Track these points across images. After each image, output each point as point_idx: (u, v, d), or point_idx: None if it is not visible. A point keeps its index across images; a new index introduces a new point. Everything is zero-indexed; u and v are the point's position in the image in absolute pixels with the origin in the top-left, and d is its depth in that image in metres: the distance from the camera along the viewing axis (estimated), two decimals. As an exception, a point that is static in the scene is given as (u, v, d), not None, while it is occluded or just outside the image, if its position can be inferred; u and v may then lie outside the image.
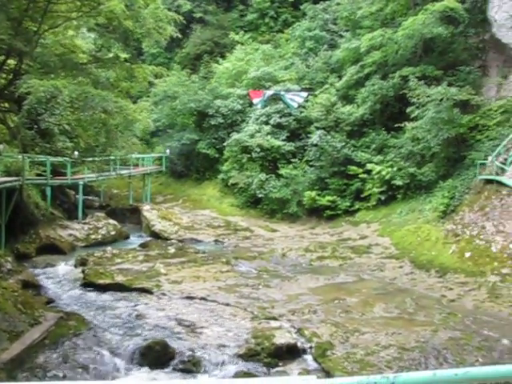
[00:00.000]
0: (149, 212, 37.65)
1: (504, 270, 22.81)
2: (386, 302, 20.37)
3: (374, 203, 35.18)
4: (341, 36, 47.20)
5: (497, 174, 27.67)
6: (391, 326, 17.46)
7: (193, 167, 48.91)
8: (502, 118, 32.11)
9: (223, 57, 54.72)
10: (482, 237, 25.68)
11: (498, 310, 19.87)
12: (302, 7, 54.90)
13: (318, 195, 37.06)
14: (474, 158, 30.39)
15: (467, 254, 25.01)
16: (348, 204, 36.45)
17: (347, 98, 40.91)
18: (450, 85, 33.02)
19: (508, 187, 26.57)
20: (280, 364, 15.19)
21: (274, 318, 18.14)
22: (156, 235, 34.29)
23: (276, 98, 40.84)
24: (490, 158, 28.33)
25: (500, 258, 23.73)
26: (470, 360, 14.71)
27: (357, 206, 36.21)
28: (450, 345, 15.82)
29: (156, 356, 15.07)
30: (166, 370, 14.82)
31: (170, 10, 29.81)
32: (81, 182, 35.22)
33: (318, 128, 39.67)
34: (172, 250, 28.78)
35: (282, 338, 16.10)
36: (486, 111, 33.40)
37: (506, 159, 28.34)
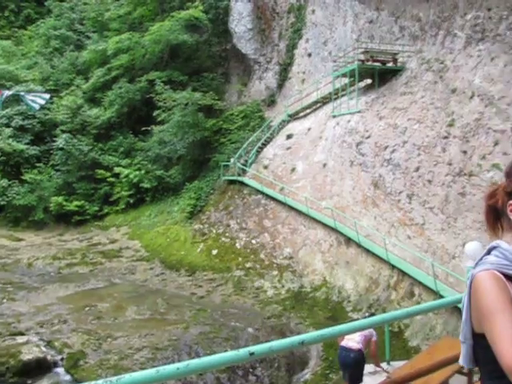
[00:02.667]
0: None
1: (247, 265, 24.36)
2: (138, 305, 20.26)
3: (123, 207, 34.93)
4: (88, 37, 46.04)
5: (239, 175, 29.45)
6: (144, 328, 17.39)
7: None
8: (243, 122, 34.32)
9: (-45, 50, 49.54)
10: (227, 234, 27.09)
11: (243, 301, 21.14)
12: (46, 4, 52.21)
13: (66, 200, 35.50)
14: (218, 159, 31.89)
15: (214, 252, 26.15)
16: (97, 208, 35.62)
17: (94, 101, 40.03)
18: (194, 90, 34.25)
19: (249, 187, 28.43)
20: (29, 382, 14.13)
21: (21, 333, 16.84)
22: None
23: (18, 99, 38.19)
24: (232, 160, 30.03)
25: (244, 253, 25.28)
26: (219, 351, 15.27)
27: (106, 210, 35.60)
28: (200, 339, 16.27)
29: None
30: None
31: None
32: None
33: (63, 131, 38.04)
34: None
35: (30, 354, 14.98)
36: (229, 116, 35.38)
37: (246, 161, 30.27)
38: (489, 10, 19.73)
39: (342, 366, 10.10)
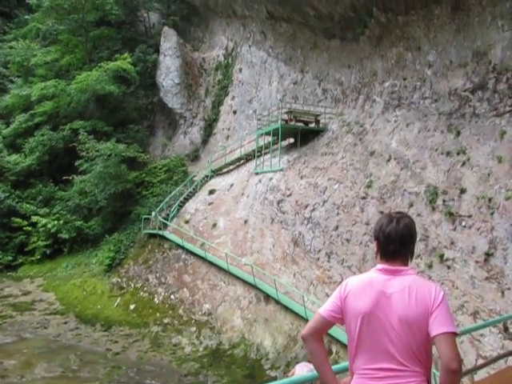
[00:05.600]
0: None
1: (165, 320, 23.96)
2: (48, 361, 19.46)
3: (39, 257, 33.76)
4: (12, 81, 45.08)
5: (159, 229, 29.20)
6: (54, 386, 16.72)
7: None
8: (166, 175, 34.33)
9: None
10: (145, 289, 26.65)
11: (160, 358, 20.69)
12: (-31, 44, 50.74)
13: (-24, 249, 33.97)
14: (139, 212, 31.58)
15: (132, 307, 25.62)
16: (10, 258, 34.16)
17: (14, 147, 38.99)
18: (119, 141, 34.08)
19: (169, 241, 28.21)
20: None
21: None
22: None
23: None
24: (153, 213, 29.83)
25: (162, 308, 24.89)
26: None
27: (20, 261, 34.25)
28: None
29: None
30: None
31: None
32: None
33: (-22, 176, 36.72)
34: None
35: None
36: (152, 168, 35.33)
37: (168, 214, 30.12)
38: (404, 79, 20.96)
39: None
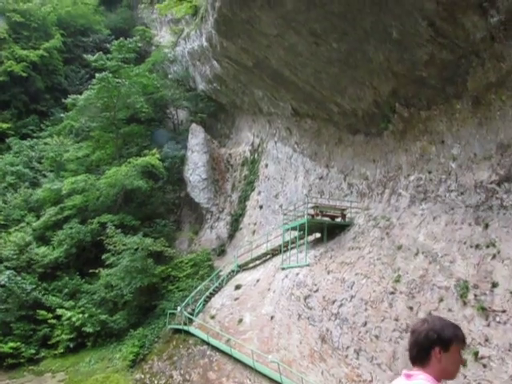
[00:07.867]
0: None
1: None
2: None
3: (62, 351, 33.20)
4: (44, 175, 46.38)
5: (185, 324, 28.78)
6: None
7: None
8: (192, 270, 34.26)
9: None
10: (168, 386, 25.96)
11: None
12: (7, 140, 52.18)
13: (0, 341, 33.58)
14: (164, 307, 31.31)
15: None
16: (33, 351, 33.62)
17: (43, 239, 39.50)
18: (146, 235, 34.36)
19: (195, 337, 27.71)
20: None
21: None
22: None
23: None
24: (179, 308, 29.51)
25: (185, 407, 24.12)
26: None
27: (43, 354, 33.65)
28: None
29: None
30: None
31: None
32: None
33: (8, 268, 36.84)
34: None
35: None
36: (178, 263, 35.33)
37: (193, 309, 29.77)
38: (429, 172, 21.01)
39: None
